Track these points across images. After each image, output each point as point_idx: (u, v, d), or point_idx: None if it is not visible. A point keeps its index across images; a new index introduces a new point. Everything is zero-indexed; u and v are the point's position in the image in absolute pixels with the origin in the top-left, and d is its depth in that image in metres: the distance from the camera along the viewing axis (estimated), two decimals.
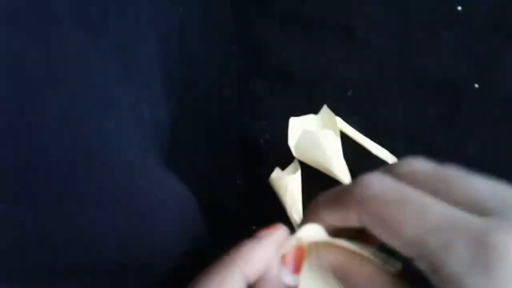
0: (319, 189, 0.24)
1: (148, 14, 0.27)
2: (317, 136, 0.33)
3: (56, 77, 0.17)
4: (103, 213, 0.19)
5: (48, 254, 0.18)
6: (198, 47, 0.38)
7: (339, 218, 0.22)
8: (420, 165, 0.21)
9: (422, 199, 0.19)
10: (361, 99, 0.38)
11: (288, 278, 0.23)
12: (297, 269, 0.24)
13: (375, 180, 0.20)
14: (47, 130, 0.16)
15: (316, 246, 0.23)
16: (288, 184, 0.33)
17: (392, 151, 0.36)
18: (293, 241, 0.23)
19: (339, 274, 0.22)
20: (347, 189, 0.21)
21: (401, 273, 0.22)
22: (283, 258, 0.24)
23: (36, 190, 0.16)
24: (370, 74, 0.39)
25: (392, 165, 0.22)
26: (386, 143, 0.36)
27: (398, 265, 0.22)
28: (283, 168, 0.36)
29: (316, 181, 0.36)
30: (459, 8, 0.39)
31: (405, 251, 0.19)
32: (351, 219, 0.21)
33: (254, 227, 0.34)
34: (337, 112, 0.35)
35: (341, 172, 0.35)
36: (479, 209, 0.18)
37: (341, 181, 0.35)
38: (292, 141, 0.35)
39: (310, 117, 0.36)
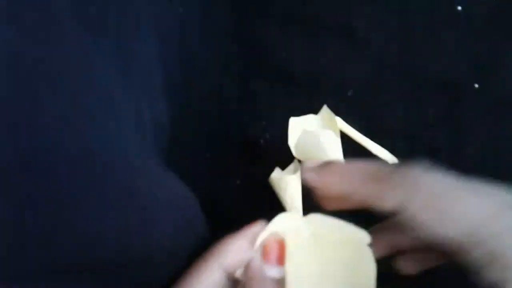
0: None
1: (148, 14, 0.27)
2: (317, 136, 0.33)
3: (56, 77, 0.17)
4: (104, 213, 0.19)
5: (48, 254, 0.18)
6: (198, 47, 0.38)
7: (370, 194, 0.21)
8: None
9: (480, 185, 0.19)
10: (361, 99, 0.38)
11: (273, 272, 0.24)
12: (280, 260, 0.24)
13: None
14: (47, 130, 0.16)
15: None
16: (288, 184, 0.33)
17: (392, 151, 0.36)
18: (269, 228, 0.24)
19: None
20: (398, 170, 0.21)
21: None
22: (264, 253, 0.24)
23: (36, 190, 0.16)
24: (370, 74, 0.39)
25: None
26: (386, 143, 0.36)
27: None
28: (283, 168, 0.35)
29: None
30: (459, 8, 0.39)
31: (456, 241, 0.19)
32: (389, 199, 0.20)
33: None
34: (337, 112, 0.35)
35: None
36: None
37: None
38: (292, 141, 0.35)
39: (310, 117, 0.36)
